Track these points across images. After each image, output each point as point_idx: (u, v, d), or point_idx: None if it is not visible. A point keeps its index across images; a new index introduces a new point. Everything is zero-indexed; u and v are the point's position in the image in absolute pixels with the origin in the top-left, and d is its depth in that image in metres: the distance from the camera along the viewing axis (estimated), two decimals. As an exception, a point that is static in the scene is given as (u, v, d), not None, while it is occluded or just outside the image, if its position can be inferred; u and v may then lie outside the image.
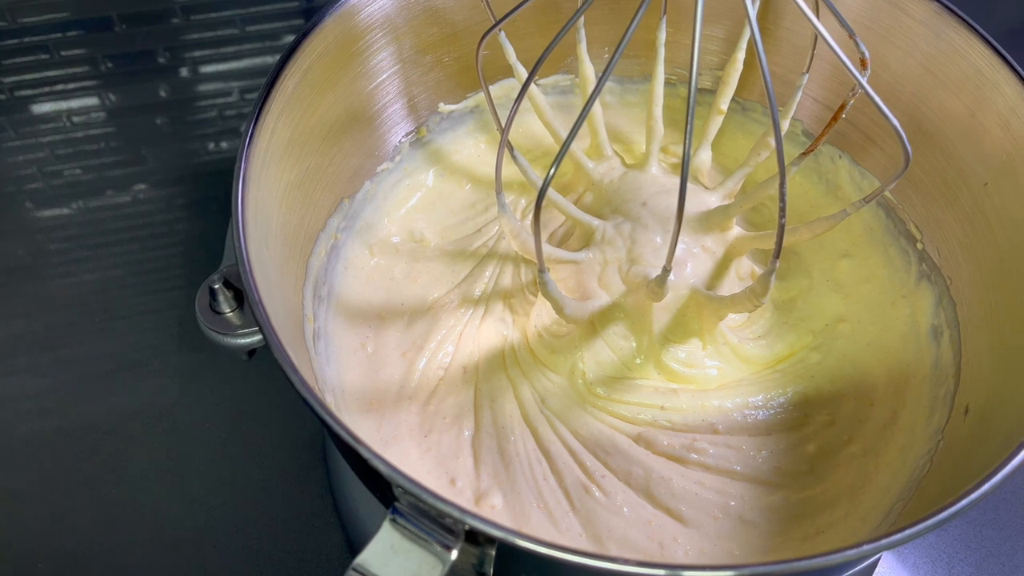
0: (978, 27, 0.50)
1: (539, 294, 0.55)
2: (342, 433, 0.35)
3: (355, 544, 0.56)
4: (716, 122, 0.57)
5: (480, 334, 0.54)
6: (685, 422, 0.51)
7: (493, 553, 0.36)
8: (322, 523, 0.57)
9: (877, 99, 0.41)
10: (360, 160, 0.57)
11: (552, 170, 0.42)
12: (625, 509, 0.48)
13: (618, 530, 0.47)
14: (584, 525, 0.48)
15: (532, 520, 0.47)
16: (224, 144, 0.78)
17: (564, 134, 0.56)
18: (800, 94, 0.54)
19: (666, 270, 0.46)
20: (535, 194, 0.44)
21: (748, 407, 0.52)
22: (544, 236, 0.58)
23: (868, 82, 0.42)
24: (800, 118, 0.61)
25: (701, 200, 0.55)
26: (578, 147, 0.59)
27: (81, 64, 0.81)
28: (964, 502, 0.35)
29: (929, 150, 0.53)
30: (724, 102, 0.57)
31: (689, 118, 0.40)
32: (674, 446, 0.50)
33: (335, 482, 0.58)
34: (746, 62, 0.56)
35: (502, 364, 0.53)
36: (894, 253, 0.57)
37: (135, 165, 0.76)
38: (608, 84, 0.64)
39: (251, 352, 0.46)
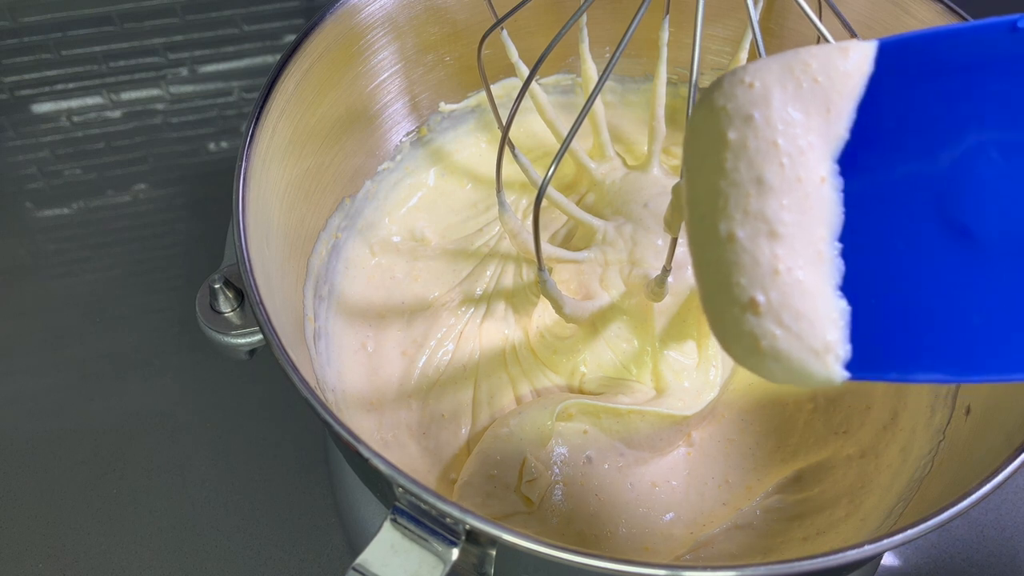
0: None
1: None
2: (343, 433, 0.35)
3: (356, 544, 0.56)
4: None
5: (481, 333, 0.54)
6: (681, 423, 0.51)
7: (494, 553, 0.36)
8: (323, 523, 0.57)
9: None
10: (361, 159, 0.57)
11: (552, 168, 0.42)
12: (624, 509, 0.48)
13: (618, 530, 0.47)
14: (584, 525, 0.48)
15: (533, 520, 0.47)
16: (224, 144, 0.78)
17: (566, 133, 0.56)
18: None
19: (666, 270, 0.46)
20: (536, 193, 0.44)
21: (745, 408, 0.52)
22: (546, 236, 0.58)
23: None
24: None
25: (702, 200, 0.55)
26: (580, 147, 0.59)
27: (82, 64, 0.81)
28: (965, 502, 0.35)
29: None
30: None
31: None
32: (670, 447, 0.50)
33: (336, 482, 0.58)
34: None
35: (503, 363, 0.53)
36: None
37: (135, 165, 0.76)
38: (609, 83, 0.64)
39: (251, 352, 0.46)
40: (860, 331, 0.29)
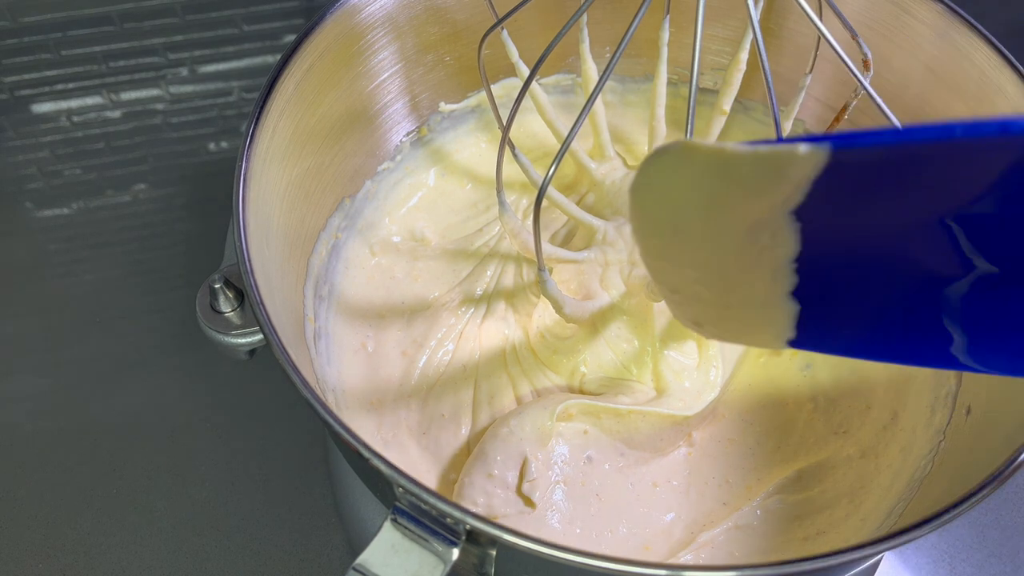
0: (982, 28, 0.49)
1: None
2: (343, 433, 0.35)
3: (356, 544, 0.56)
4: (719, 122, 0.57)
5: (481, 333, 0.54)
6: (682, 423, 0.51)
7: (494, 553, 0.36)
8: (323, 523, 0.57)
9: (879, 100, 0.41)
10: (361, 159, 0.57)
11: (552, 168, 0.42)
12: (624, 509, 0.48)
13: (618, 530, 0.47)
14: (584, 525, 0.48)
15: (533, 520, 0.47)
16: (224, 144, 0.78)
17: (566, 133, 0.56)
18: (803, 95, 0.54)
19: (666, 270, 0.46)
20: (536, 193, 0.44)
21: (745, 408, 0.52)
22: (546, 236, 0.58)
23: (871, 83, 0.42)
24: (802, 118, 0.61)
25: (702, 201, 0.55)
26: (580, 147, 0.59)
27: (82, 64, 0.81)
28: (966, 503, 0.35)
29: (931, 151, 0.53)
30: (727, 102, 0.57)
31: (690, 118, 0.40)
32: (670, 447, 0.50)
33: (336, 482, 0.58)
34: (749, 62, 0.56)
35: (503, 363, 0.53)
36: (896, 253, 0.57)
37: (135, 165, 0.76)
38: (609, 83, 0.64)
39: (251, 352, 0.46)
40: (806, 322, 0.32)
